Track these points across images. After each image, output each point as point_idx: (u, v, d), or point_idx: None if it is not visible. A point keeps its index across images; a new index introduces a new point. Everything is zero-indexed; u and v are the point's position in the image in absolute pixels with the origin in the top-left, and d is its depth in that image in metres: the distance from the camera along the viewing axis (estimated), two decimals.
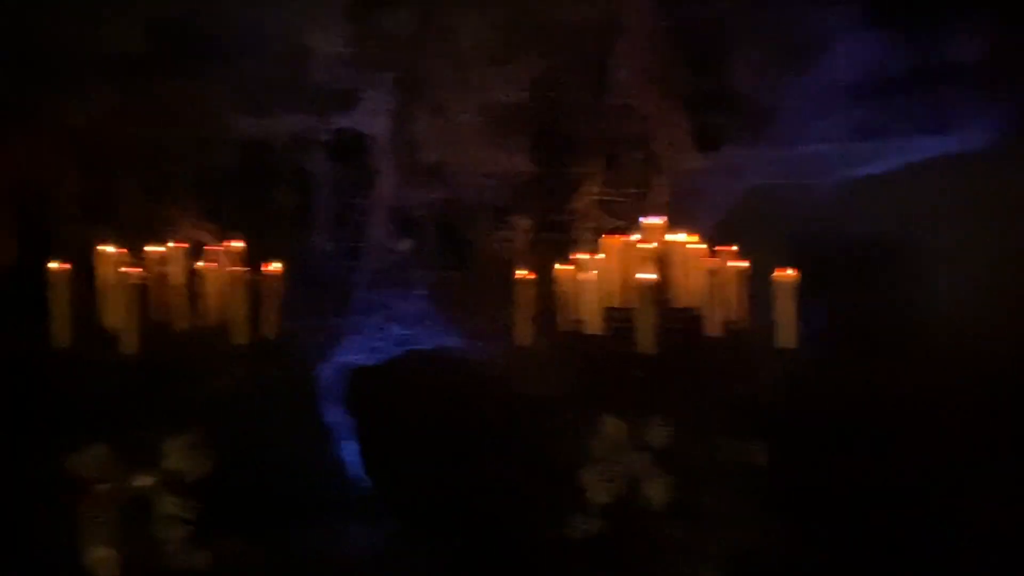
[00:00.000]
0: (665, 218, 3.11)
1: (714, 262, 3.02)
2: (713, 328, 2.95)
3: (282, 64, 3.14)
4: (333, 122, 3.26)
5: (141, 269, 2.81)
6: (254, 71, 3.12)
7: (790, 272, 2.99)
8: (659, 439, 2.92)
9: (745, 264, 3.06)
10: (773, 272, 3.03)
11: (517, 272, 3.08)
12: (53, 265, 2.75)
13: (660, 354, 2.94)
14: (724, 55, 3.43)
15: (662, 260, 3.01)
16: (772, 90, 3.42)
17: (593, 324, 2.93)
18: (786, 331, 2.94)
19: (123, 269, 2.75)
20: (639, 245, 2.99)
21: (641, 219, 3.04)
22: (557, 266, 3.07)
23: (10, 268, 2.92)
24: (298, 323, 3.15)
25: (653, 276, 2.90)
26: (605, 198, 3.29)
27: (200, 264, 2.91)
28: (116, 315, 2.73)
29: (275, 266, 2.97)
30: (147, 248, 2.85)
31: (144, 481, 2.74)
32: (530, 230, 3.32)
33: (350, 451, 3.39)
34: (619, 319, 3.01)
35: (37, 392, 2.85)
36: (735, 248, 3.08)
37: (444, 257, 3.41)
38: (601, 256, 3.04)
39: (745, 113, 3.41)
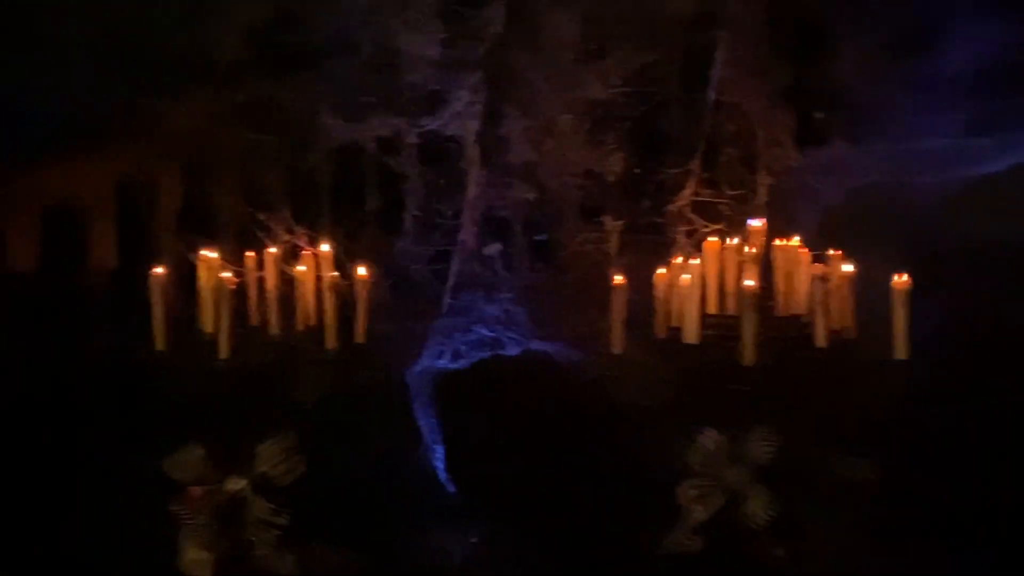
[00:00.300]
0: (765, 220, 2.97)
1: (820, 267, 2.87)
2: (819, 337, 2.81)
3: (373, 67, 3.12)
4: (423, 124, 3.22)
5: (233, 274, 2.82)
6: (346, 74, 3.10)
7: (903, 278, 2.82)
8: (760, 453, 2.79)
9: (852, 269, 2.91)
10: (880, 277, 2.87)
11: (611, 276, 2.99)
12: (154, 270, 2.78)
13: (762, 364, 2.81)
14: (829, 46, 3.26)
15: (765, 265, 2.88)
16: (880, 83, 3.24)
17: (690, 332, 2.83)
18: (899, 340, 2.77)
19: (222, 274, 2.77)
20: (742, 249, 2.87)
21: (746, 221, 2.91)
22: (654, 271, 2.97)
23: (112, 272, 2.98)
24: (387, 327, 3.13)
25: (755, 283, 2.77)
26: (703, 199, 3.17)
27: (294, 269, 2.91)
28: (213, 320, 2.75)
29: (365, 271, 2.95)
30: (246, 253, 2.86)
31: (237, 484, 2.76)
32: (623, 232, 3.22)
33: (439, 456, 3.37)
34: (718, 326, 2.89)
35: (136, 394, 2.91)
36: (840, 252, 2.93)
37: (533, 260, 3.35)
38: (698, 261, 2.94)
39: (851, 108, 3.23)
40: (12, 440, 2.90)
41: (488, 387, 3.38)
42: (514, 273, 3.34)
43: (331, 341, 2.83)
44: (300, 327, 2.92)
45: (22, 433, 2.90)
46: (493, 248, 3.31)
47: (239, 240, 3.01)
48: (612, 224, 3.21)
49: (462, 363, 3.43)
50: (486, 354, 3.42)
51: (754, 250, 2.86)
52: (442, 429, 3.39)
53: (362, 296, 2.92)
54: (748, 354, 2.74)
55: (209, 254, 2.82)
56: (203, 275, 2.79)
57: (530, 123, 3.26)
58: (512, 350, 3.42)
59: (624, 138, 3.23)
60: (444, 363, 3.43)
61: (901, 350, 2.78)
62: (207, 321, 2.77)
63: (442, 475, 3.38)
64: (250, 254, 2.90)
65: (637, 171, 3.20)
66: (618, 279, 2.92)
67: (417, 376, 3.39)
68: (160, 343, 2.76)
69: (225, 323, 2.73)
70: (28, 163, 2.85)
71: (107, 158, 2.95)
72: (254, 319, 2.90)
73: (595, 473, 3.17)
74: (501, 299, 3.36)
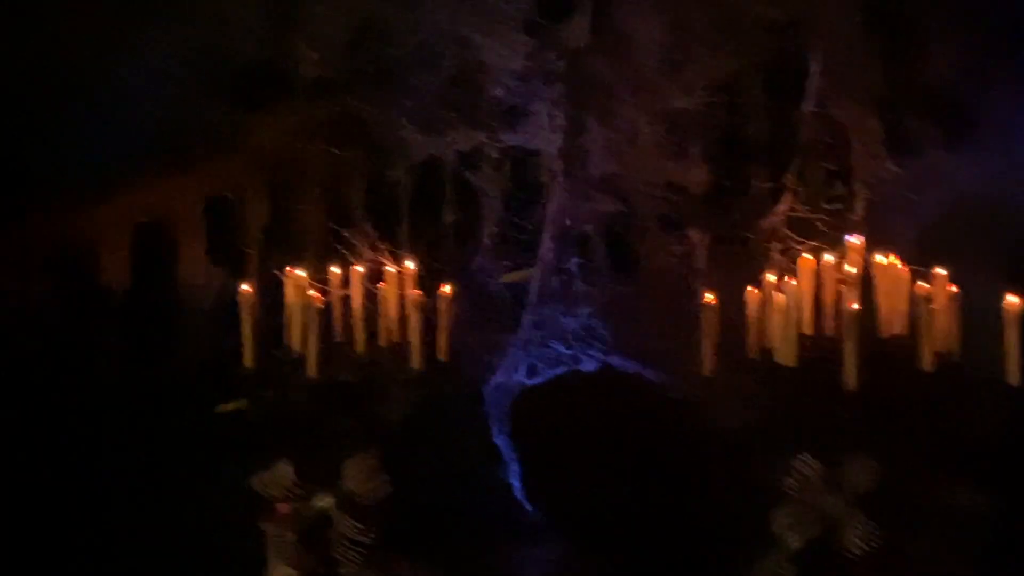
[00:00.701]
0: (864, 237, 2.84)
1: (924, 287, 2.73)
2: (924, 360, 2.67)
3: (455, 80, 3.08)
4: (504, 138, 3.17)
5: (320, 293, 2.81)
6: (427, 88, 3.07)
7: (1014, 298, 2.67)
8: (860, 481, 2.67)
9: (955, 289, 2.76)
10: (987, 296, 2.71)
11: (698, 293, 2.90)
12: (243, 288, 2.77)
13: (861, 387, 2.69)
14: (926, 49, 3.11)
15: (865, 285, 2.75)
16: (982, 86, 3.07)
17: (788, 353, 2.71)
18: (1011, 364, 2.62)
19: (310, 293, 2.76)
20: (843, 267, 2.74)
21: (845, 238, 2.78)
22: (742, 286, 2.86)
23: (199, 288, 3.00)
24: (467, 343, 3.10)
25: (857, 305, 2.64)
26: (794, 214, 3.04)
27: (378, 285, 2.88)
28: (301, 338, 2.74)
29: (447, 288, 2.92)
30: (331, 269, 2.84)
31: (324, 502, 2.75)
32: (710, 247, 3.13)
33: (516, 474, 3.32)
34: (815, 348, 2.78)
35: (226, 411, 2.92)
36: (945, 271, 2.78)
37: (615, 274, 3.27)
38: (791, 278, 2.81)
39: (952, 114, 3.07)
40: (101, 455, 2.94)
41: (565, 404, 3.33)
42: (594, 288, 3.27)
43: (416, 360, 2.80)
44: (383, 343, 2.91)
45: (112, 448, 2.95)
46: (575, 261, 3.25)
47: (323, 256, 3.01)
48: (699, 238, 3.13)
49: (538, 379, 3.39)
50: (563, 370, 3.36)
51: (855, 269, 2.72)
52: (518, 446, 3.35)
53: (445, 313, 2.89)
54: (851, 379, 2.61)
55: (297, 272, 2.81)
56: (291, 293, 2.77)
57: (613, 134, 3.19)
58: (590, 366, 3.36)
59: (712, 150, 3.14)
60: (520, 379, 3.39)
61: (1013, 375, 2.62)
62: (295, 339, 2.75)
63: (518, 493, 3.34)
64: (335, 271, 2.89)
65: (727, 183, 3.10)
66: (709, 298, 2.82)
67: (494, 392, 3.36)
68: (249, 360, 2.76)
69: (313, 342, 2.72)
70: (120, 180, 2.89)
71: (195, 174, 2.97)
72: (338, 336, 2.89)
73: (681, 496, 3.10)
74: (580, 314, 3.30)
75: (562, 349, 3.30)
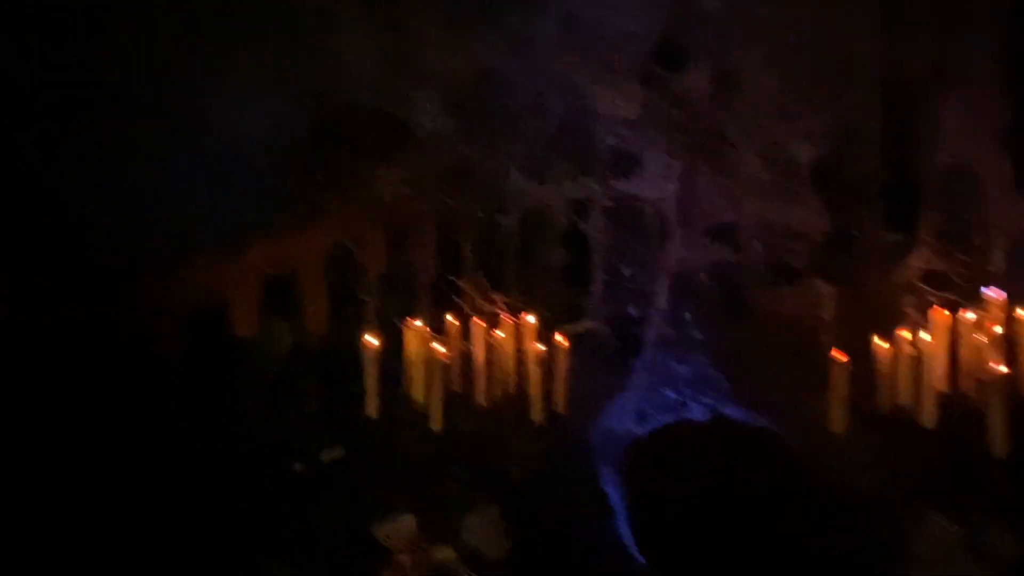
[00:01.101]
0: (1005, 293, 2.70)
1: None
2: None
3: (569, 129, 3.08)
4: (618, 186, 3.15)
5: (444, 344, 2.82)
6: (541, 137, 3.07)
7: None
8: (1005, 550, 2.53)
9: None
10: None
11: (823, 345, 2.80)
12: (366, 338, 2.79)
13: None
14: None
15: (1007, 342, 2.62)
16: None
17: (927, 414, 2.60)
18: None
19: (431, 344, 2.77)
20: (982, 324, 2.62)
21: (982, 290, 2.66)
22: (869, 337, 2.76)
23: (322, 339, 3.06)
24: (578, 391, 3.07)
25: (1003, 367, 2.51)
26: (927, 265, 2.93)
27: (495, 334, 2.87)
28: (423, 389, 2.75)
29: (563, 339, 2.89)
30: (447, 318, 2.85)
31: (444, 554, 2.75)
32: (835, 297, 3.03)
33: (626, 524, 3.27)
34: (948, 405, 2.65)
35: (347, 459, 2.97)
36: None
37: (730, 322, 3.20)
38: (930, 336, 2.70)
39: None
40: (228, 499, 3.00)
41: (678, 452, 3.26)
42: (708, 335, 3.21)
43: (536, 414, 2.78)
44: (499, 394, 2.89)
45: (236, 494, 3.01)
46: (690, 310, 3.20)
47: (438, 305, 3.03)
48: (823, 288, 3.04)
49: (648, 426, 3.32)
50: (673, 417, 3.30)
51: (999, 328, 2.59)
52: (628, 495, 3.29)
53: (562, 364, 2.86)
54: (999, 445, 2.49)
55: (418, 324, 2.81)
56: (412, 345, 2.78)
57: (729, 182, 3.13)
58: (701, 414, 3.28)
59: (835, 198, 3.06)
60: (630, 425, 3.33)
61: None
62: (417, 390, 2.76)
63: (630, 543, 3.28)
64: (452, 321, 2.89)
65: (854, 233, 3.01)
66: (839, 355, 2.71)
67: (603, 439, 3.31)
68: (372, 409, 2.77)
69: (437, 394, 2.72)
70: (246, 232, 2.97)
71: (318, 226, 3.03)
72: (456, 386, 2.89)
73: (800, 554, 2.99)
74: (693, 362, 3.23)
75: (672, 396, 3.24)
